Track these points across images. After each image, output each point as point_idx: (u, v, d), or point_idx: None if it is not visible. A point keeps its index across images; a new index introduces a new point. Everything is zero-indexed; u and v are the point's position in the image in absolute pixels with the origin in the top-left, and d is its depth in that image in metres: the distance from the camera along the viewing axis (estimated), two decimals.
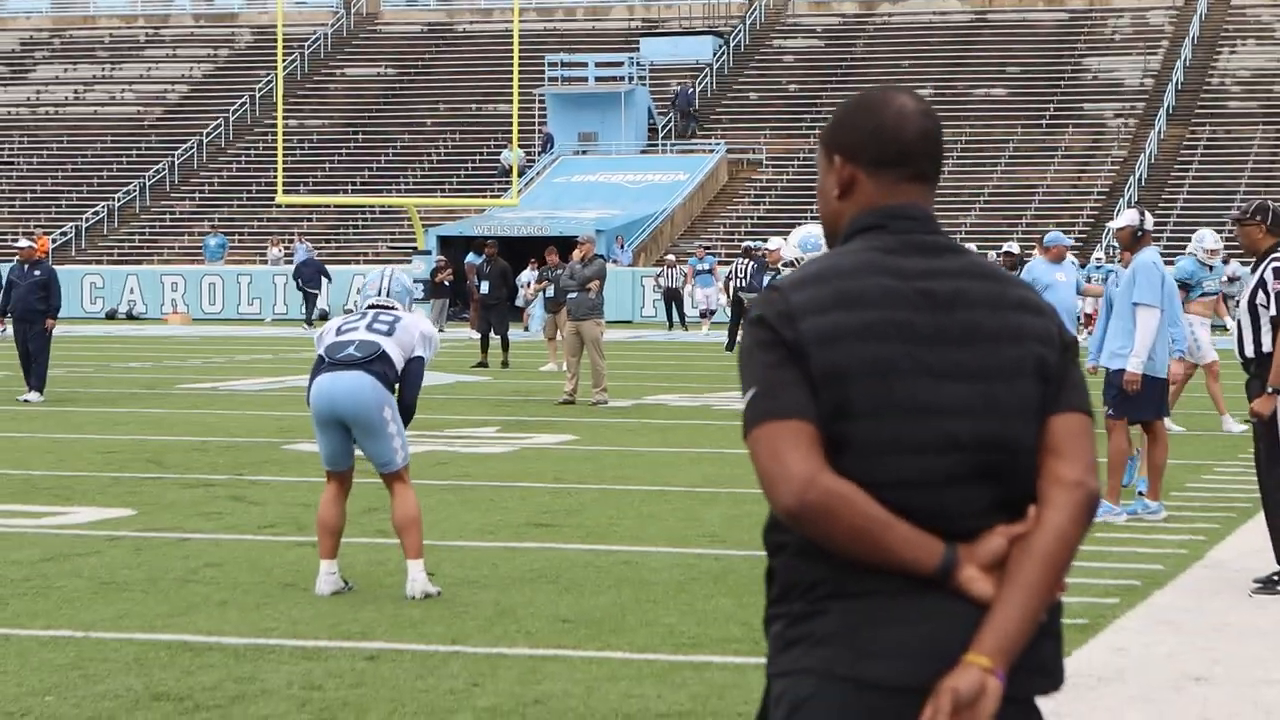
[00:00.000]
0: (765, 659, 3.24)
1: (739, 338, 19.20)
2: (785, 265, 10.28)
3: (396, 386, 10.09)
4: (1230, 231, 28.64)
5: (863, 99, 3.42)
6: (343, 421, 9.83)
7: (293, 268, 49.32)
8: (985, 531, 3.16)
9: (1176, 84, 57.97)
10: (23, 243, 25.48)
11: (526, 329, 39.73)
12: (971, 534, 3.15)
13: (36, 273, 23.81)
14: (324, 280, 47.32)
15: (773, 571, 3.30)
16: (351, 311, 10.61)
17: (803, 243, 10.33)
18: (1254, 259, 10.17)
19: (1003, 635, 3.09)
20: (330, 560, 9.71)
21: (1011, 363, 3.20)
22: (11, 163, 62.79)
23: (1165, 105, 57.05)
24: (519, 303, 37.68)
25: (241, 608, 9.10)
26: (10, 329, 24.34)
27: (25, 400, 22.67)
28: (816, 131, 60.27)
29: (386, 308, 10.34)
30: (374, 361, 9.92)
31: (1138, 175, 52.32)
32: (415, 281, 47.10)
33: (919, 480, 3.16)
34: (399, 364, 10.02)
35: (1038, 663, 3.20)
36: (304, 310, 47.18)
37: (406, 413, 10.17)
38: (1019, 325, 3.23)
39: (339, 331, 10.21)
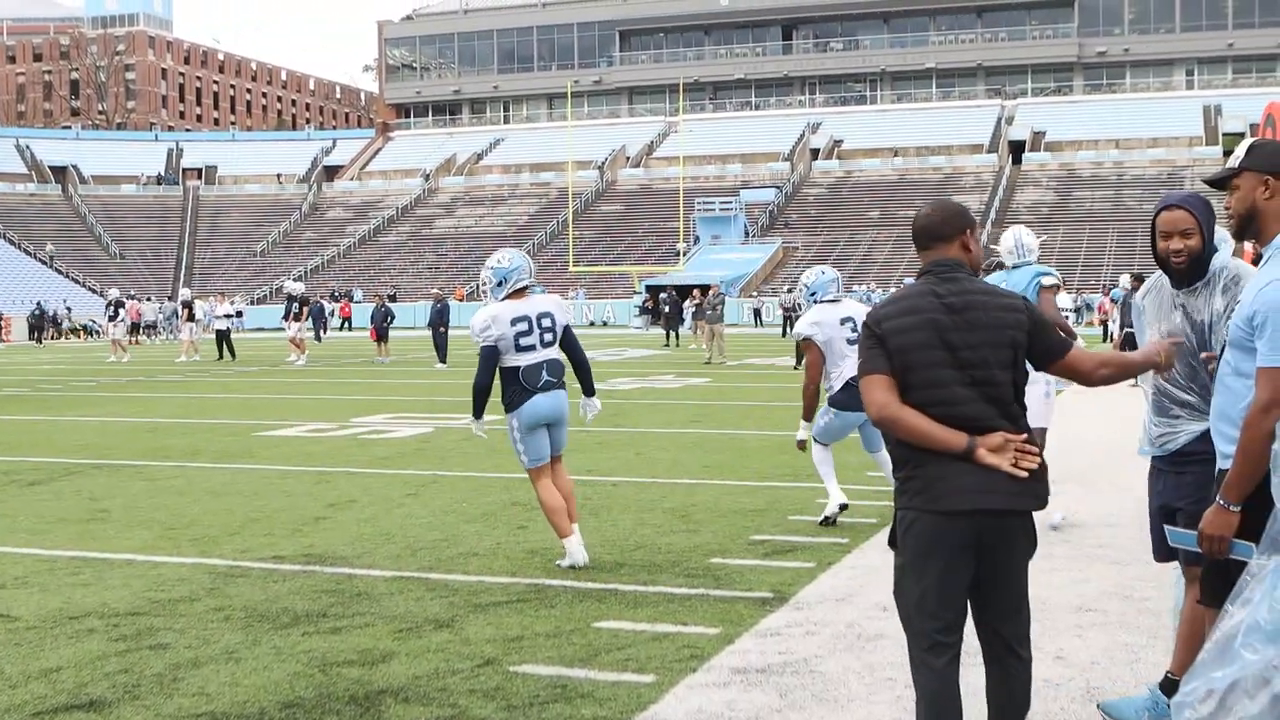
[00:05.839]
0: (894, 499, 3.20)
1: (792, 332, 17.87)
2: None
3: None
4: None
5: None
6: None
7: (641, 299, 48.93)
8: (990, 432, 3.16)
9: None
10: (433, 290, 27.78)
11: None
12: (985, 432, 3.16)
13: (439, 305, 24.83)
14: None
15: (893, 456, 3.27)
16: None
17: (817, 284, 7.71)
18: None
19: None
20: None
21: (995, 338, 3.19)
22: (444, 254, 67.61)
23: None
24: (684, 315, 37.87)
25: None
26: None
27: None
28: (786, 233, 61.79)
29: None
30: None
31: None
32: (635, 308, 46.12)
33: (949, 401, 3.16)
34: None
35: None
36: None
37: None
38: (1001, 319, 3.21)
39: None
